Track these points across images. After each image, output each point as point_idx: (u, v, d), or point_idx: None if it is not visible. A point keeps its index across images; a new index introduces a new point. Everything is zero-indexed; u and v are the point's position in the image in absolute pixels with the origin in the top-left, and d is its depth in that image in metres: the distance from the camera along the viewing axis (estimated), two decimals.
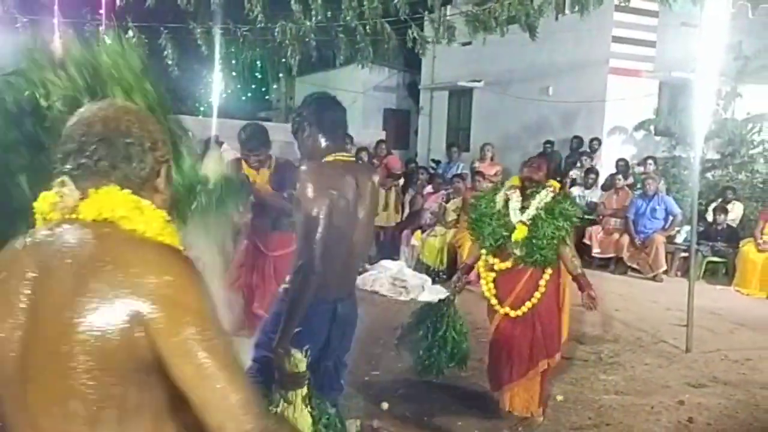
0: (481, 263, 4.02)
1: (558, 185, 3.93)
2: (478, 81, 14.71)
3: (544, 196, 3.75)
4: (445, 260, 8.82)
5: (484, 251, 3.94)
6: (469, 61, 13.97)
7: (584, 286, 3.86)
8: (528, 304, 3.81)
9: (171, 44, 4.96)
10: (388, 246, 9.65)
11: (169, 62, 5.11)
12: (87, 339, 1.13)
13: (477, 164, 10.89)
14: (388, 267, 8.39)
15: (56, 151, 1.29)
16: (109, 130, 1.27)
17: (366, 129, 15.43)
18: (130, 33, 4.76)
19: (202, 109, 14.66)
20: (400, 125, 18.18)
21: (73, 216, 1.24)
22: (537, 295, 3.79)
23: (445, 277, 8.60)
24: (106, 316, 1.13)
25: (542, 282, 3.76)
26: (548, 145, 12.19)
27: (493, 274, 3.92)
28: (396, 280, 8.00)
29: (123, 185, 1.27)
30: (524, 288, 3.82)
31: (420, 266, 8.84)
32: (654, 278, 9.43)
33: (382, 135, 13.42)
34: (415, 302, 7.61)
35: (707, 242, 9.51)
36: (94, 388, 1.15)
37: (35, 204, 1.29)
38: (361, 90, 17.34)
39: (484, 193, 4.16)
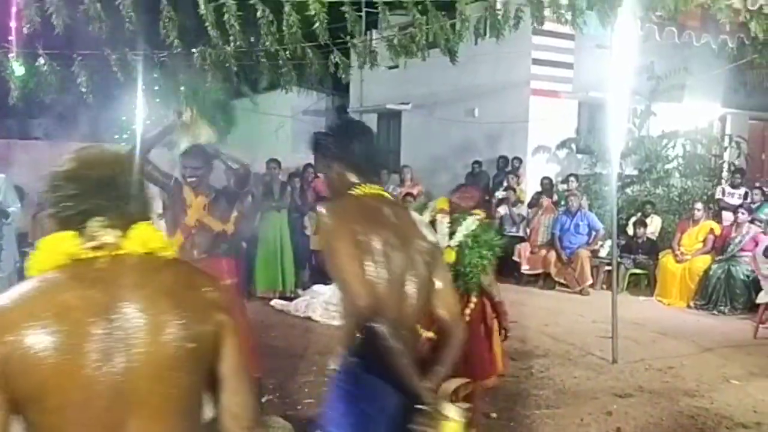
0: None
1: (483, 215, 3.96)
2: (406, 104, 14.90)
3: (470, 224, 3.78)
4: None
5: None
6: (397, 84, 14.14)
7: (501, 316, 3.95)
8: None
9: (84, 71, 4.80)
10: (318, 270, 9.57)
11: (83, 89, 4.94)
12: (187, 351, 1.35)
13: (399, 189, 10.90)
14: (321, 291, 8.31)
15: (59, 192, 1.40)
16: (122, 172, 1.45)
17: (296, 153, 15.33)
18: (41, 60, 4.59)
19: (124, 137, 14.22)
20: None
21: (116, 251, 1.39)
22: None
23: None
24: (200, 329, 1.38)
25: (467, 310, 3.78)
26: (476, 165, 12.42)
27: None
28: (329, 305, 7.92)
29: (141, 219, 1.45)
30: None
31: None
32: (581, 292, 9.70)
33: (310, 159, 13.36)
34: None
35: (629, 255, 9.88)
36: (190, 397, 1.39)
37: (52, 244, 1.37)
38: (290, 114, 17.25)
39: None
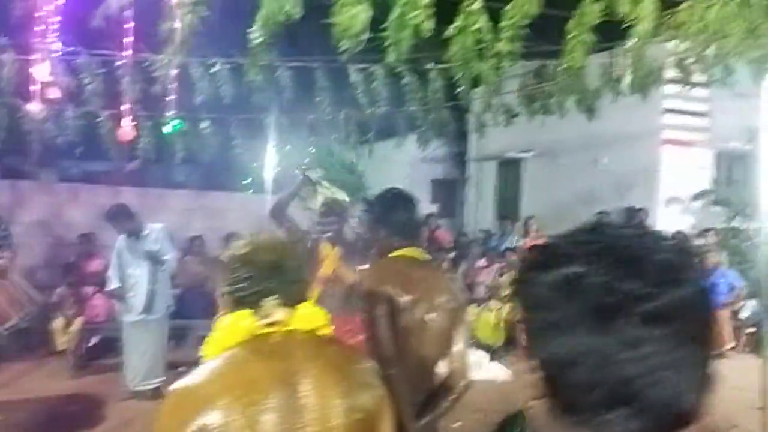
0: None
1: None
2: (527, 151, 14.77)
3: None
4: (501, 336, 8.68)
5: None
6: (518, 131, 14.01)
7: None
8: None
9: (241, 133, 5.20)
10: None
11: (239, 150, 5.34)
12: (356, 421, 1.48)
13: (522, 241, 10.74)
14: (490, 370, 8.14)
15: (236, 274, 1.60)
16: (289, 258, 1.62)
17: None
18: (204, 124, 5.03)
19: (251, 181, 14.91)
20: (447, 195, 18.28)
21: (286, 328, 1.55)
22: None
23: (502, 353, 8.45)
24: (364, 401, 1.52)
25: None
26: (602, 215, 12.05)
27: None
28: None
29: (304, 299, 1.62)
30: None
31: (474, 342, 8.68)
32: (720, 356, 9.05)
33: (432, 207, 13.48)
34: (472, 381, 7.43)
35: None
36: None
37: (232, 322, 1.54)
38: (408, 161, 17.57)
39: None
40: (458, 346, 2.56)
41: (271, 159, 8.48)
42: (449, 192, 18.61)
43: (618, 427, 0.72)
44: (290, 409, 1.42)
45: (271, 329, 1.53)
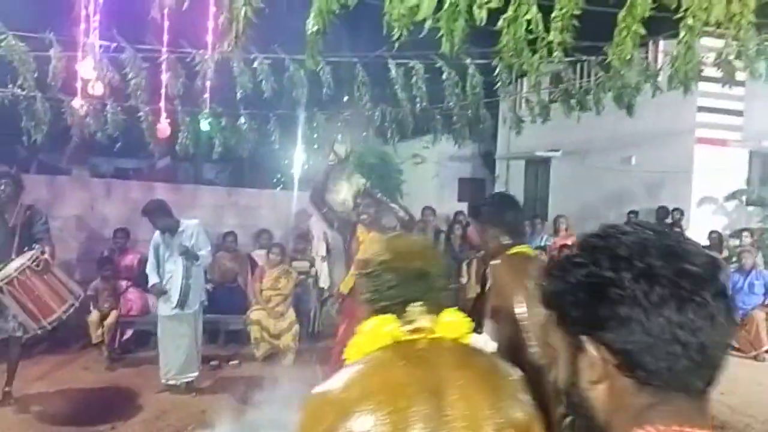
0: None
1: None
2: (556, 150, 14.65)
3: None
4: None
5: None
6: (547, 130, 13.88)
7: None
8: None
9: (278, 128, 5.21)
10: (471, 319, 9.53)
11: (276, 146, 5.35)
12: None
13: (552, 239, 10.64)
14: (474, 341, 8.19)
15: (379, 281, 1.54)
16: (434, 264, 1.58)
17: (441, 200, 15.52)
18: (242, 119, 5.05)
19: (282, 179, 15.00)
20: (475, 195, 18.21)
21: (431, 335, 1.50)
22: None
23: None
24: (515, 417, 1.43)
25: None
26: (632, 215, 11.90)
27: None
28: None
29: (448, 306, 1.57)
30: None
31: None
32: (755, 357, 8.90)
33: (459, 206, 13.46)
34: None
35: None
36: None
37: (375, 327, 1.49)
38: (437, 159, 17.54)
39: None
40: None
41: (300, 156, 8.50)
42: (478, 191, 18.53)
43: (697, 382, 0.88)
44: (437, 419, 1.35)
45: (415, 336, 1.49)
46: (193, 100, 5.23)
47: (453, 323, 1.54)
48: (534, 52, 2.74)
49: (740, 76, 8.44)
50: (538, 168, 15.70)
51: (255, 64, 4.54)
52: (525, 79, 5.75)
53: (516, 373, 1.57)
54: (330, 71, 4.52)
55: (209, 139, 5.27)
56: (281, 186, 13.48)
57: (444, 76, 4.61)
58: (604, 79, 5.08)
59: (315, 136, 6.14)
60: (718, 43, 5.54)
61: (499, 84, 4.54)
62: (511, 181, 16.56)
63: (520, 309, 2.53)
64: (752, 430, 5.99)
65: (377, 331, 1.48)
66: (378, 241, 1.67)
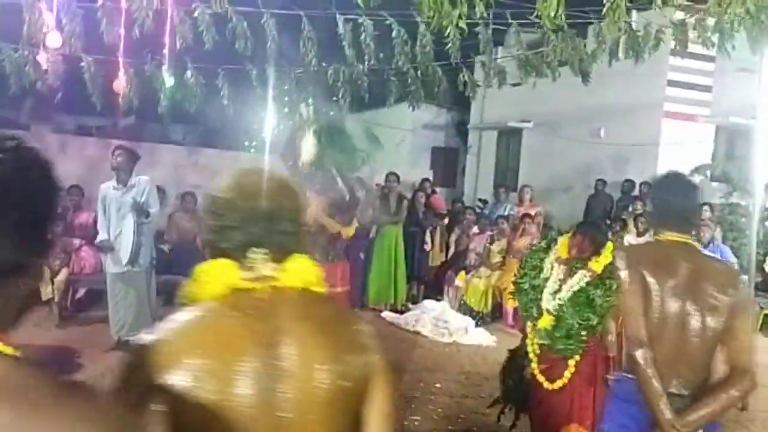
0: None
1: (600, 265, 3.71)
2: (528, 121, 14.65)
3: (577, 281, 3.62)
4: (489, 303, 8.69)
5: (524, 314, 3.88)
6: (519, 101, 13.93)
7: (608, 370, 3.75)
8: (560, 381, 3.71)
9: (227, 84, 5.10)
10: (431, 286, 9.57)
11: (225, 102, 5.25)
12: (343, 389, 1.33)
13: (517, 209, 10.64)
14: (431, 307, 8.30)
15: (220, 222, 1.38)
16: (284, 204, 1.41)
17: (413, 167, 15.48)
18: (188, 73, 4.93)
19: (254, 144, 14.91)
20: (447, 164, 18.19)
21: (274, 284, 1.37)
22: (566, 374, 3.68)
23: (488, 320, 8.48)
24: (355, 368, 1.35)
25: (571, 362, 3.64)
26: (600, 183, 11.95)
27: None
28: (439, 321, 7.90)
29: (297, 252, 1.42)
30: (558, 364, 3.71)
31: (463, 308, 8.71)
32: None
33: (429, 174, 13.43)
34: (457, 345, 7.53)
35: (765, 293, 9.13)
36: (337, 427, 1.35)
37: (212, 273, 1.36)
38: (410, 128, 17.46)
39: (536, 251, 3.99)
40: (739, 339, 2.46)
41: (271, 121, 8.39)
42: (450, 160, 18.52)
43: None
44: (269, 373, 1.26)
45: (256, 285, 1.35)
46: (134, 51, 5.08)
47: (299, 271, 1.39)
48: (454, 6, 2.67)
49: (710, 51, 8.46)
50: (509, 138, 15.71)
51: (196, 14, 4.39)
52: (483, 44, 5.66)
53: (362, 323, 1.47)
54: (275, 24, 4.41)
55: (154, 93, 5.14)
56: (253, 150, 13.35)
57: (393, 35, 4.52)
58: (558, 45, 5.02)
59: (286, 99, 6.04)
60: (680, 15, 5.52)
61: (449, 45, 4.47)
62: (483, 150, 16.56)
63: None
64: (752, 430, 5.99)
65: (214, 278, 1.35)
66: (233, 176, 1.47)
